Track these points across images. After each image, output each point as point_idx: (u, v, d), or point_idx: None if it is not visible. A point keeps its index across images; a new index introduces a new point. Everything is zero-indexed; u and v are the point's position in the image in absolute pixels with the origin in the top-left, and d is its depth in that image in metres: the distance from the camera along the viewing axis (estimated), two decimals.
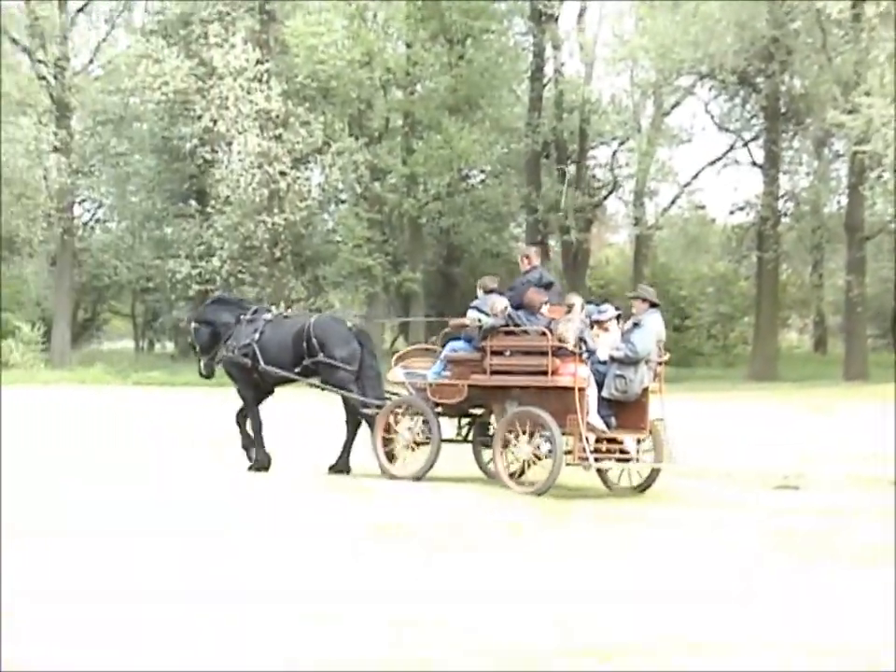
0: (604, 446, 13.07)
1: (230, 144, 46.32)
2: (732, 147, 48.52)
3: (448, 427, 13.99)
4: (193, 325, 16.10)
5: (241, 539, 9.82)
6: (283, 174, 43.27)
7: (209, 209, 47.32)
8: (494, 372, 12.82)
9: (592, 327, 13.36)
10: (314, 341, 14.52)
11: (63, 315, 48.18)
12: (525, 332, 12.79)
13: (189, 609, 7.56)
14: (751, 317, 47.48)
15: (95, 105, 50.36)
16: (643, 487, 13.41)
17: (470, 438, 14.02)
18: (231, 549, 9.46)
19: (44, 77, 48.54)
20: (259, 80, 42.89)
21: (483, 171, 51.48)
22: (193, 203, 52.63)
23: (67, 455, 16.26)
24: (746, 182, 74.08)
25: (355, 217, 45.49)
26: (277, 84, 43.09)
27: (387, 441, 13.52)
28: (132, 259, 52.09)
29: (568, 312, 13.01)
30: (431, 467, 13.21)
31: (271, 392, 15.51)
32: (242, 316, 15.44)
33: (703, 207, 51.22)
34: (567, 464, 12.65)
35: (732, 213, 49.22)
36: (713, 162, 48.15)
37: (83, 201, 55.75)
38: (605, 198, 51.34)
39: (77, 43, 51.31)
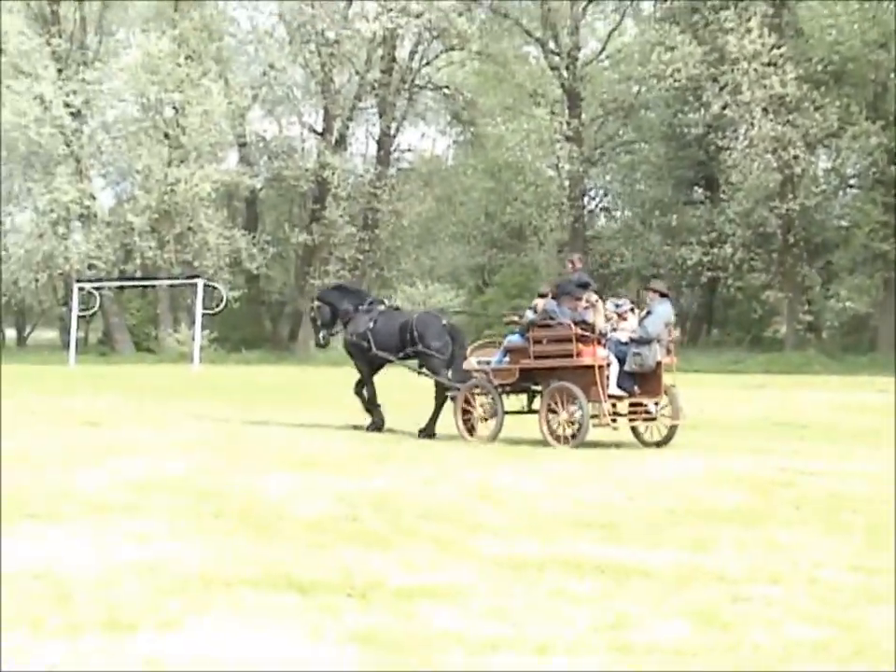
0: (632, 409, 16.80)
1: (739, 129, 50.96)
2: None
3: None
4: (317, 303, 20.48)
5: None
6: (796, 158, 46.12)
7: (720, 196, 52.10)
8: (536, 357, 16.61)
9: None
10: (415, 333, 18.48)
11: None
12: (559, 324, 16.41)
13: None
14: None
15: (604, 94, 55.38)
16: (665, 441, 16.68)
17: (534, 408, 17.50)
18: None
19: (556, 68, 53.72)
20: (774, 65, 45.63)
21: None
22: (701, 190, 57.65)
23: None
24: None
25: (871, 202, 47.84)
26: (792, 68, 46.04)
27: (466, 414, 17.28)
28: (639, 246, 56.34)
29: (593, 306, 16.64)
30: (499, 433, 16.84)
31: (381, 367, 19.47)
32: (360, 307, 19.60)
33: None
34: (595, 425, 16.25)
35: None
36: None
37: (590, 189, 60.45)
38: None
39: (584, 33, 56.56)
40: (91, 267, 53.53)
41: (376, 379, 19.59)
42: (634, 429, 17.19)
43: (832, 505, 10.59)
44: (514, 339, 17.33)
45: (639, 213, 58.86)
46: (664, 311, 16.92)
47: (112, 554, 8.05)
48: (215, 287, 49.67)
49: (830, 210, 52.32)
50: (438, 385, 18.58)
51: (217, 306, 48.62)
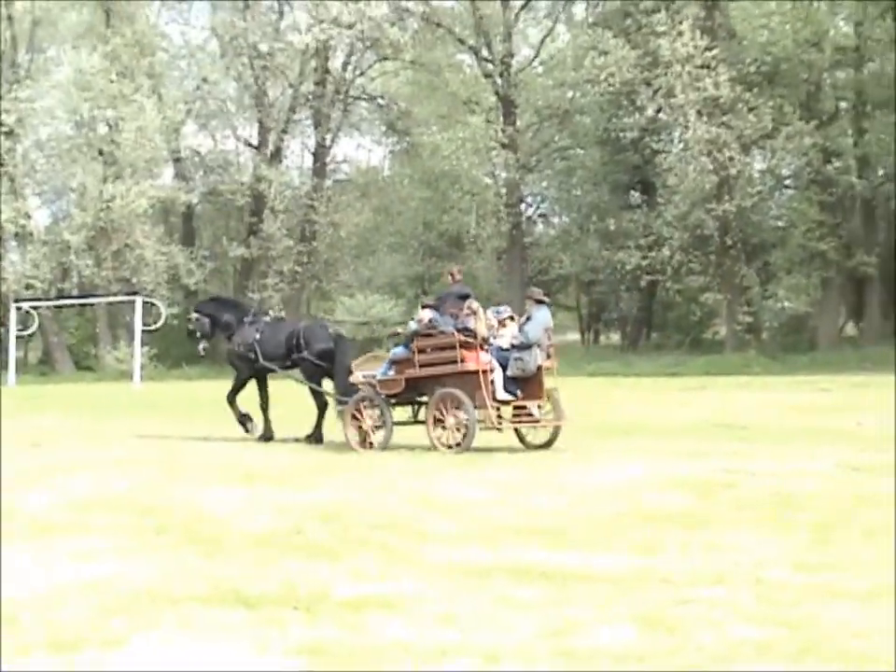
0: (515, 413, 17.26)
1: (674, 132, 51.24)
2: None
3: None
4: (195, 315, 20.93)
5: None
6: (731, 160, 46.00)
7: (657, 199, 52.23)
8: (421, 366, 17.03)
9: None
10: (301, 340, 19.18)
11: (515, 310, 53.31)
12: (442, 333, 16.94)
13: None
14: None
15: (539, 100, 54.98)
16: (549, 443, 17.14)
17: (420, 419, 17.88)
18: None
19: (489, 75, 53.48)
20: (707, 67, 45.58)
21: None
22: (637, 194, 57.79)
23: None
24: None
25: (807, 202, 47.98)
26: (724, 70, 45.89)
27: (355, 426, 17.49)
28: (577, 252, 56.18)
29: (474, 313, 17.08)
30: (388, 443, 17.08)
31: (265, 378, 20.02)
32: (244, 318, 20.15)
33: None
34: (481, 429, 16.63)
35: None
36: None
37: (527, 196, 60.22)
38: None
39: (517, 39, 56.03)
40: (28, 287, 53.13)
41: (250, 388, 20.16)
42: (517, 432, 17.62)
43: (774, 505, 10.69)
44: (399, 351, 17.76)
45: (577, 218, 59.01)
46: (542, 316, 17.44)
47: (57, 574, 8.02)
48: (153, 304, 49.39)
49: (766, 211, 52.65)
50: (315, 393, 19.34)
51: (157, 323, 48.35)
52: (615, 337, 66.36)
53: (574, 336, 67.90)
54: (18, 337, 50.84)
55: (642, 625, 6.52)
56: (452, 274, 18.64)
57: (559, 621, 6.63)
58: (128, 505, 11.16)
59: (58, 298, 54.22)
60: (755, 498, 11.12)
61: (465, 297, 17.59)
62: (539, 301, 17.73)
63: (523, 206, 58.55)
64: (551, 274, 58.10)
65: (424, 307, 18.08)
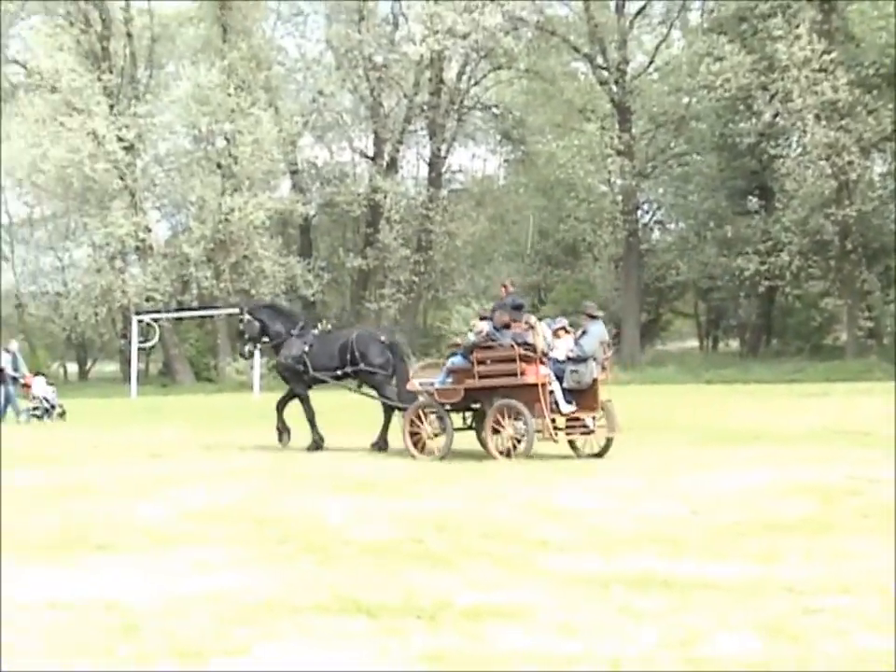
0: (570, 423, 17.52)
1: (791, 137, 50.54)
2: None
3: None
4: (247, 317, 21.00)
5: None
6: (851, 163, 45.19)
7: (776, 204, 51.64)
8: (481, 377, 17.33)
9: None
10: (356, 352, 19.52)
11: (631, 317, 52.51)
12: (501, 345, 17.22)
13: None
14: None
15: (654, 106, 54.69)
16: (602, 453, 17.33)
17: (474, 426, 18.41)
18: None
19: (604, 83, 53.21)
20: (825, 71, 44.77)
21: None
22: (755, 199, 57.17)
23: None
24: None
25: None
26: (843, 73, 45.23)
27: (415, 433, 17.87)
28: (694, 258, 55.82)
29: (532, 327, 17.45)
30: (449, 450, 17.44)
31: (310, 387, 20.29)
32: (292, 331, 20.33)
33: None
34: (539, 440, 16.89)
35: None
36: None
37: (643, 203, 59.78)
38: None
39: (631, 46, 55.30)
40: (148, 299, 53.96)
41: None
42: (571, 443, 17.89)
43: None
44: (457, 360, 18.00)
45: (694, 225, 58.32)
46: (597, 330, 17.89)
47: (177, 584, 8.10)
48: None
49: (887, 215, 51.61)
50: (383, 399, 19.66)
51: None
52: (734, 344, 65.68)
53: (693, 343, 67.38)
54: (139, 349, 51.61)
55: (766, 634, 6.44)
56: (505, 286, 18.90)
57: (682, 630, 6.55)
58: (248, 516, 11.24)
59: (178, 310, 54.99)
60: (879, 506, 10.93)
61: (518, 307, 18.01)
62: (593, 316, 18.13)
63: (639, 213, 57.95)
64: (668, 281, 57.83)
65: (481, 318, 18.37)
